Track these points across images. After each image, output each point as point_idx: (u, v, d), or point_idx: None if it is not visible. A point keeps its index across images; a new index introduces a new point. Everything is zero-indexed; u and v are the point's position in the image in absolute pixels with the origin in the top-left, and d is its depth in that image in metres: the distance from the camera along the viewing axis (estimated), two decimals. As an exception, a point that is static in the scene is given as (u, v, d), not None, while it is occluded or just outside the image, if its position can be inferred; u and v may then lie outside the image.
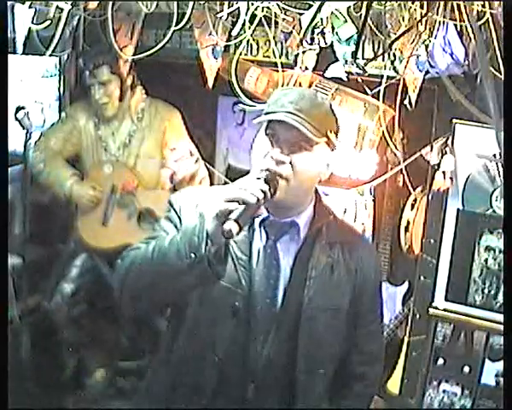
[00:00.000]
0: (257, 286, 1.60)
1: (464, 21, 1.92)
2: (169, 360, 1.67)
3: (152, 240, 1.59)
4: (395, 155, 2.69)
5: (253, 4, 2.13)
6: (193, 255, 1.43)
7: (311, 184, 1.62)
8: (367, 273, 1.72)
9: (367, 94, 2.55)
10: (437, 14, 2.00)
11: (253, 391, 1.63)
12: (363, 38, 2.15)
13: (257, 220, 1.62)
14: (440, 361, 2.58)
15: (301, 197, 1.62)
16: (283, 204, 1.57)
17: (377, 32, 2.27)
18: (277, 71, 2.59)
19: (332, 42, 2.14)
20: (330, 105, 1.63)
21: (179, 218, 1.64)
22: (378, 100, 2.44)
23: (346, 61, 2.11)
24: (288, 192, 1.55)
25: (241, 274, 1.59)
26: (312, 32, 2.19)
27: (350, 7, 1.91)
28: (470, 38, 2.00)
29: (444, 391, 2.58)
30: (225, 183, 3.29)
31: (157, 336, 2.67)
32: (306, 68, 2.58)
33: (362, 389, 1.81)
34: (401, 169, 2.63)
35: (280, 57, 2.60)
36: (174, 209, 1.66)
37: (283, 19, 2.30)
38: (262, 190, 1.46)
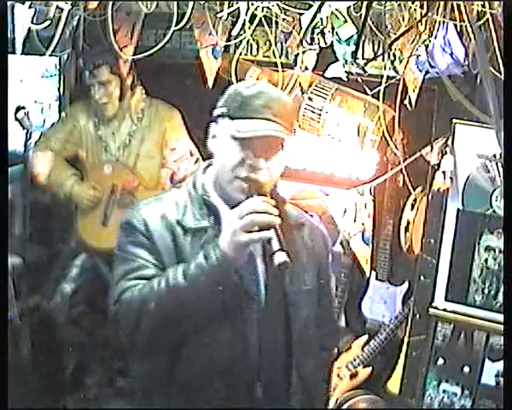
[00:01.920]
0: (243, 284, 1.59)
1: (464, 21, 1.92)
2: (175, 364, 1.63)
3: (137, 275, 1.56)
4: (395, 155, 2.69)
5: (253, 4, 2.13)
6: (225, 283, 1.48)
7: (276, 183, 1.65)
8: (320, 248, 1.78)
9: (367, 94, 2.55)
10: (437, 14, 2.00)
11: (261, 391, 1.63)
12: (363, 38, 2.14)
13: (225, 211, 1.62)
14: (440, 361, 2.58)
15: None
16: (267, 188, 1.57)
17: (377, 32, 2.27)
18: (277, 71, 2.59)
19: (332, 42, 2.14)
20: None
21: (148, 238, 1.59)
22: (378, 100, 2.44)
23: (346, 61, 2.11)
24: (271, 177, 1.57)
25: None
26: (312, 32, 2.19)
27: (350, 7, 1.91)
28: (470, 38, 1.99)
29: (444, 391, 2.58)
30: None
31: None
32: (306, 68, 2.58)
33: (326, 359, 1.87)
34: (401, 169, 2.63)
35: (280, 57, 2.60)
36: (138, 230, 1.60)
37: (283, 19, 2.30)
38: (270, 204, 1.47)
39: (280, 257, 1.43)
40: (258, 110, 1.52)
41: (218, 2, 2.39)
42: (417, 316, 2.63)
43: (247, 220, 1.45)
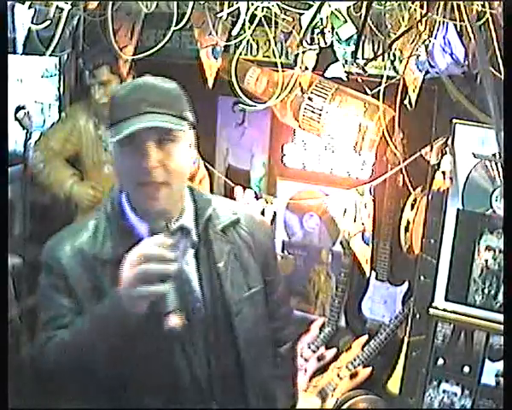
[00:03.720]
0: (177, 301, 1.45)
1: (464, 21, 1.92)
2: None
3: (55, 325, 1.45)
4: (395, 155, 2.69)
5: (252, 4, 2.13)
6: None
7: (185, 178, 1.52)
8: (264, 244, 1.68)
9: (367, 94, 2.55)
10: (437, 14, 2.00)
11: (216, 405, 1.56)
12: (363, 38, 2.14)
13: (145, 232, 1.45)
14: (440, 361, 2.58)
15: (182, 196, 1.53)
16: (168, 211, 1.45)
17: (377, 32, 2.27)
18: (277, 71, 2.59)
19: (332, 42, 2.14)
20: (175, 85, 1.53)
21: (65, 279, 1.46)
22: (378, 100, 2.44)
23: (346, 61, 2.11)
24: (172, 197, 1.45)
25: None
26: (312, 32, 2.19)
27: (350, 7, 1.91)
28: (470, 38, 1.99)
29: (444, 391, 2.58)
30: (225, 183, 3.29)
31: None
32: (306, 68, 2.58)
33: (284, 354, 1.79)
34: (401, 169, 2.63)
35: (280, 57, 2.60)
36: (54, 272, 1.48)
37: (283, 19, 2.30)
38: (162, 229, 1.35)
39: (172, 320, 1.28)
40: (132, 107, 1.41)
41: (218, 2, 2.39)
42: (417, 316, 2.63)
43: (139, 271, 1.30)
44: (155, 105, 1.42)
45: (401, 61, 2.30)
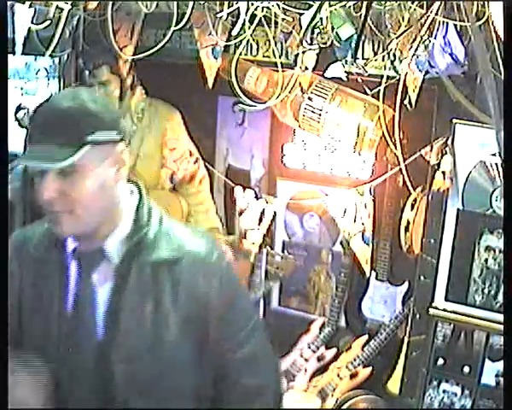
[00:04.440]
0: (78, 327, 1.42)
1: (464, 21, 1.92)
2: None
3: None
4: (395, 155, 2.69)
5: (252, 4, 2.13)
6: None
7: (103, 203, 1.40)
8: (207, 295, 1.44)
9: (367, 94, 2.55)
10: (437, 14, 2.00)
11: None
12: (362, 38, 2.14)
13: (69, 251, 1.45)
14: (440, 361, 2.58)
15: (98, 220, 1.41)
16: (80, 233, 1.40)
17: (377, 32, 2.27)
18: (277, 71, 2.59)
19: (332, 42, 2.14)
20: (83, 102, 1.35)
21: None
22: (378, 100, 2.44)
23: (346, 61, 2.11)
24: (81, 222, 1.37)
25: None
26: (312, 32, 2.19)
27: (350, 7, 1.91)
28: (470, 38, 1.99)
29: (444, 391, 2.58)
30: (225, 183, 3.29)
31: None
32: (306, 68, 2.58)
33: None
34: (401, 169, 2.63)
35: (280, 57, 2.60)
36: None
37: (283, 19, 2.30)
38: None
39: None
40: (29, 135, 1.36)
41: (217, 2, 2.38)
42: (417, 316, 2.63)
43: None
44: (45, 133, 1.31)
45: (401, 61, 2.30)
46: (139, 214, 1.47)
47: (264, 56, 2.81)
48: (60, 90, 3.39)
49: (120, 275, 1.43)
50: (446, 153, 2.45)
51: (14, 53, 2.54)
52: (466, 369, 2.54)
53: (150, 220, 1.47)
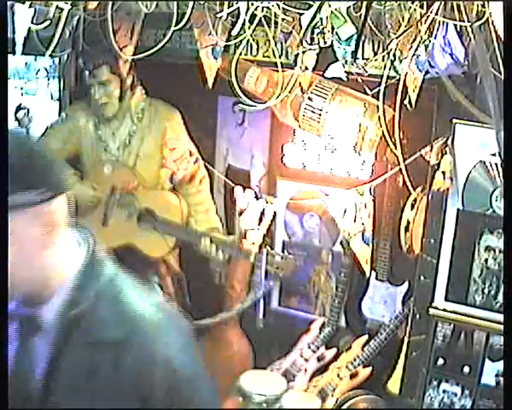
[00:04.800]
0: None
1: (464, 21, 1.92)
2: None
3: None
4: (395, 155, 2.69)
5: (252, 4, 2.13)
6: None
7: (30, 272, 1.20)
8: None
9: (367, 94, 2.55)
10: (437, 14, 2.00)
11: None
12: (362, 38, 2.14)
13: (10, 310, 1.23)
14: (440, 361, 2.58)
15: (26, 288, 1.22)
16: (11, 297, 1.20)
17: (377, 32, 2.27)
18: (277, 71, 2.59)
19: (332, 42, 2.14)
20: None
21: None
22: (378, 100, 2.44)
23: (346, 61, 2.11)
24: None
25: None
26: (312, 32, 2.19)
27: (350, 7, 1.91)
28: (470, 38, 1.99)
29: (444, 391, 2.58)
30: (225, 183, 3.29)
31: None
32: (306, 68, 2.58)
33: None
34: (401, 169, 2.63)
35: (280, 57, 2.60)
36: None
37: (283, 19, 2.30)
38: None
39: None
40: None
41: (217, 3, 2.38)
42: (417, 316, 2.63)
43: None
44: None
45: (401, 61, 2.30)
46: (82, 277, 1.27)
47: (264, 56, 2.82)
48: (60, 90, 3.39)
49: (56, 350, 1.23)
50: (446, 153, 2.45)
51: (14, 53, 2.54)
52: (466, 369, 2.54)
53: (96, 284, 1.27)
